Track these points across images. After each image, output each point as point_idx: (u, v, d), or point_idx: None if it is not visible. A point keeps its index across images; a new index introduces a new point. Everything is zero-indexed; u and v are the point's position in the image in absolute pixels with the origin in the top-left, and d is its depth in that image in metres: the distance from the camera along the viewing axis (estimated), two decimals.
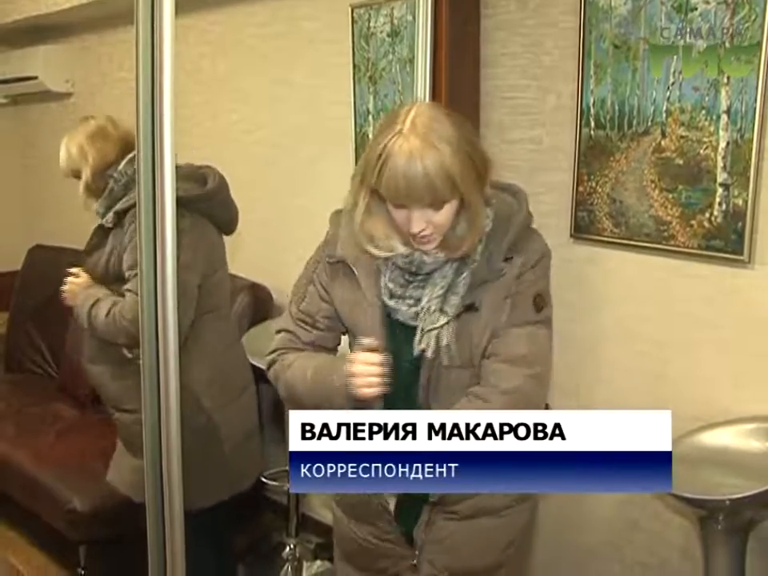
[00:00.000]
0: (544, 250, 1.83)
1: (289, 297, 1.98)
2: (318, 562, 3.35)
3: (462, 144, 1.67)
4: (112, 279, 2.48)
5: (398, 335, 1.82)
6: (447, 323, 1.76)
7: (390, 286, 1.80)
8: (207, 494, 2.50)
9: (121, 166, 2.47)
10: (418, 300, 1.78)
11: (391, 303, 1.79)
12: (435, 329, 1.76)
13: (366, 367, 1.73)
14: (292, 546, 3.34)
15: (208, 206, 2.50)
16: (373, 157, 1.68)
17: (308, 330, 1.91)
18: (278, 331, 1.96)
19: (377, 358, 1.73)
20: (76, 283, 2.54)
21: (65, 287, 2.57)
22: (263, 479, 3.01)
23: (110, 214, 2.46)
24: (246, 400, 2.65)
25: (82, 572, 3.28)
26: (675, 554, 2.56)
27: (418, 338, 1.78)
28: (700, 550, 2.35)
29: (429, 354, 1.78)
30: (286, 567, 3.31)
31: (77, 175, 2.53)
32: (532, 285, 1.80)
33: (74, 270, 2.58)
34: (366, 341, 1.75)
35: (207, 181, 2.53)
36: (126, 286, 2.39)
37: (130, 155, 2.45)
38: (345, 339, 1.99)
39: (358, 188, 1.77)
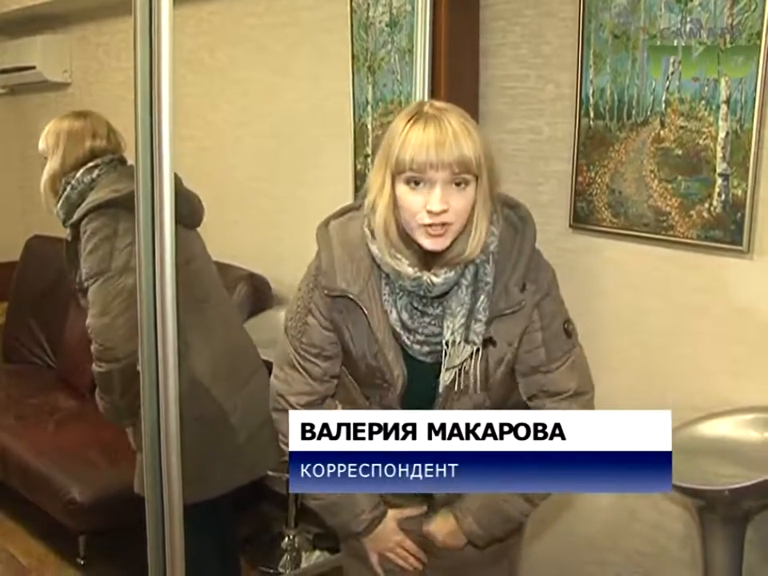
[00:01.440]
0: (552, 272, 1.79)
1: (286, 286, 1.94)
2: (317, 553, 3.36)
3: (481, 132, 1.65)
4: (85, 293, 2.45)
5: (410, 368, 1.76)
6: (475, 352, 1.71)
7: (404, 316, 1.72)
8: (222, 481, 2.50)
9: (79, 174, 2.45)
10: (429, 336, 1.72)
11: (402, 338, 1.73)
12: (463, 361, 1.71)
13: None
14: (291, 537, 3.36)
15: None
16: (395, 133, 1.63)
17: (316, 364, 1.81)
18: (280, 369, 1.86)
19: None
20: None
21: None
22: None
23: (68, 229, 2.45)
24: (255, 387, 2.62)
25: (82, 562, 3.29)
26: (674, 544, 2.57)
27: (443, 372, 1.73)
28: (698, 540, 2.36)
29: (449, 382, 1.73)
30: (284, 557, 3.33)
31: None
32: (557, 315, 1.77)
33: None
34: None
35: None
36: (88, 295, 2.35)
37: (91, 164, 2.45)
38: None
39: (377, 177, 1.66)
